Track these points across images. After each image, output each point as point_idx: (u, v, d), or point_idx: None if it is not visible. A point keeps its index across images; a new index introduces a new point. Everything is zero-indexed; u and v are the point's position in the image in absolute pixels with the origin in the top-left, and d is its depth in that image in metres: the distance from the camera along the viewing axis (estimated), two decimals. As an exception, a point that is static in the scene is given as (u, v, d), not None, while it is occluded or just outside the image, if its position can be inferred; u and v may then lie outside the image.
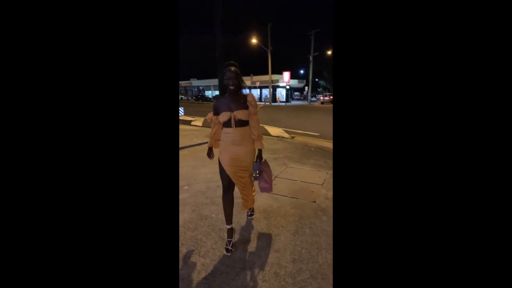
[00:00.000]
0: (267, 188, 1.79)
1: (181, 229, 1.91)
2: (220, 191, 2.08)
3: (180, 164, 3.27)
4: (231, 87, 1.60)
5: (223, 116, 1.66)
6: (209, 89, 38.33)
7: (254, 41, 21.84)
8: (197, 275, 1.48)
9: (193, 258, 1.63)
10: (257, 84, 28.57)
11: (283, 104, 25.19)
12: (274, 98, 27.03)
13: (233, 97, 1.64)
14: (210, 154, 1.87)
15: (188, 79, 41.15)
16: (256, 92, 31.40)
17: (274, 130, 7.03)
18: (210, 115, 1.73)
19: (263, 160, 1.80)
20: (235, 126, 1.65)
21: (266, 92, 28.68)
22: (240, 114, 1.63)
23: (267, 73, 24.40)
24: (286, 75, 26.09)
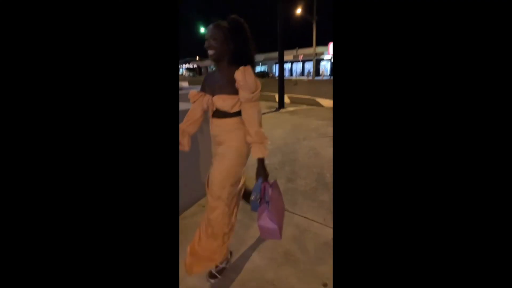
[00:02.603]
0: (273, 232, 1.01)
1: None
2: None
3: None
4: (210, 55, 1.00)
5: (194, 97, 1.13)
6: (250, 65, 38.36)
7: (298, 11, 20.96)
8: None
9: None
10: (300, 57, 27.77)
11: (327, 78, 24.29)
12: (317, 72, 26.13)
13: (221, 72, 1.03)
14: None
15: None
16: (298, 66, 30.62)
17: (326, 102, 7.24)
18: (193, 92, 1.15)
19: (269, 180, 1.05)
20: (213, 117, 1.08)
21: (308, 66, 27.80)
22: (220, 101, 1.00)
23: (311, 46, 23.50)
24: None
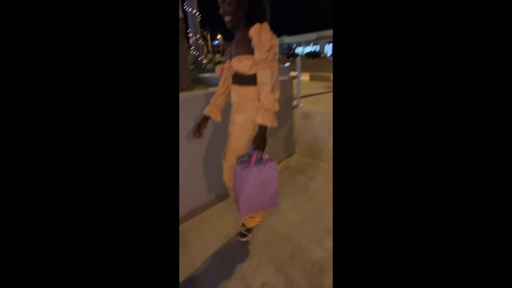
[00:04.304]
0: (249, 204, 1.03)
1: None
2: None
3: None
4: (226, 22, 0.99)
5: (219, 69, 1.16)
6: (300, 45, 36.98)
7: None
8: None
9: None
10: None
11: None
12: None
13: (237, 37, 1.02)
14: (197, 128, 1.19)
15: (279, 36, 40.59)
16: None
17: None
18: (219, 65, 1.19)
19: (264, 155, 1.02)
20: (232, 83, 1.07)
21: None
22: (236, 62, 0.99)
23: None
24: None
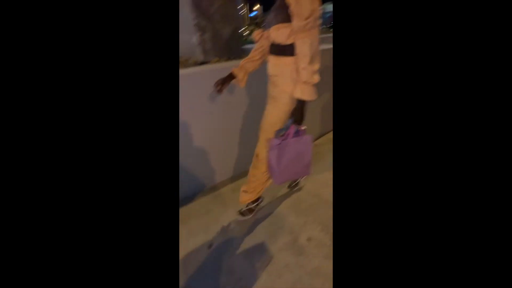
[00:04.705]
0: (272, 170, 1.13)
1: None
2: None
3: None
4: None
5: (256, 35, 1.08)
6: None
7: None
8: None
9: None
10: None
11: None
12: None
13: (276, 3, 0.94)
14: (221, 82, 1.16)
15: (323, 3, 36.66)
16: None
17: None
18: (257, 31, 1.13)
19: (301, 127, 1.04)
20: (270, 53, 1.02)
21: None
22: (274, 31, 0.93)
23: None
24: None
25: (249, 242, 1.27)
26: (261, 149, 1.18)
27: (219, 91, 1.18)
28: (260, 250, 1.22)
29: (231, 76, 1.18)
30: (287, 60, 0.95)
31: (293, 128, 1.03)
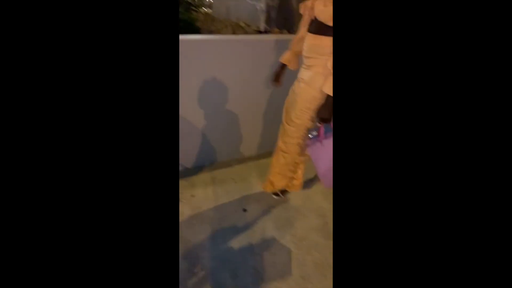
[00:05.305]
0: (329, 176, 1.02)
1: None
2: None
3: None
4: None
5: (303, 8, 0.95)
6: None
7: None
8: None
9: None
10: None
11: None
12: None
13: None
14: (276, 77, 1.15)
15: None
16: None
17: None
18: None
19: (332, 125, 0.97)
20: (308, 31, 0.92)
21: None
22: (320, 6, 0.82)
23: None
24: None
25: (280, 215, 1.33)
26: (287, 137, 1.11)
27: (278, 84, 1.18)
28: (291, 225, 1.27)
29: (282, 66, 1.16)
30: (325, 40, 0.84)
31: (322, 129, 0.97)
